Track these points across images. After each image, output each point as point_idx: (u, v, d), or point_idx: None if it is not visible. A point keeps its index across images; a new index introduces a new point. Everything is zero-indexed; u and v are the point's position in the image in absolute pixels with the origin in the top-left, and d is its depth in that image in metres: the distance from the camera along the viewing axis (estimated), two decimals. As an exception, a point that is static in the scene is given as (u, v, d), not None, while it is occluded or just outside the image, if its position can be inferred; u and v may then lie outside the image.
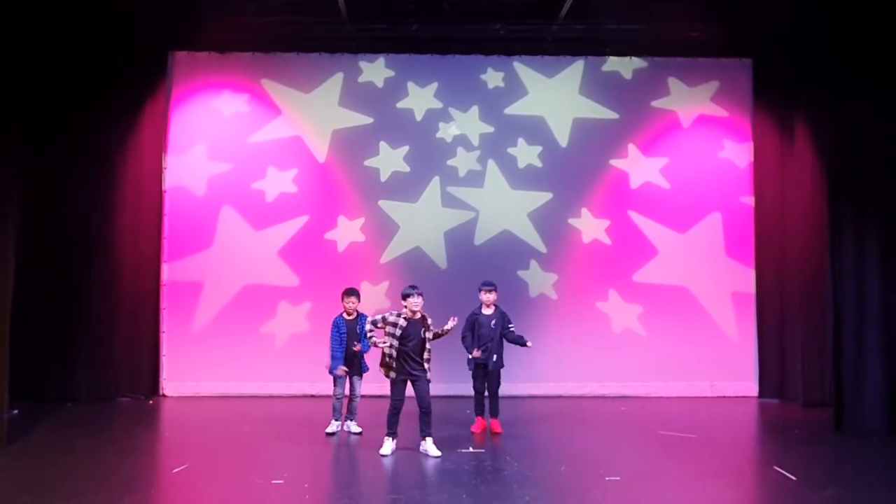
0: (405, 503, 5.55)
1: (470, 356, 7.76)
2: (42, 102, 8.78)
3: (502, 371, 7.94)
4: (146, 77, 9.72)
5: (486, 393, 7.89)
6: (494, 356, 7.76)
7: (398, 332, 6.86)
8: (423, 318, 6.95)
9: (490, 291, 7.85)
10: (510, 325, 7.86)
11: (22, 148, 7.31)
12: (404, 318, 6.88)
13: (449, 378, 8.79)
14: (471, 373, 7.88)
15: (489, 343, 7.73)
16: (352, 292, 7.89)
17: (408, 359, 6.86)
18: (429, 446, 6.86)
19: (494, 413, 7.87)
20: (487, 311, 7.86)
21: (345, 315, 7.80)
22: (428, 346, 6.91)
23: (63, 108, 9.20)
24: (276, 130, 10.06)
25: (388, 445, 6.89)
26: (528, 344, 7.78)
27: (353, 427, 7.79)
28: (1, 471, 6.24)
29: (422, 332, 6.90)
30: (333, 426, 7.73)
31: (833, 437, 7.69)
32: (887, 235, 7.84)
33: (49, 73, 8.85)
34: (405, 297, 6.93)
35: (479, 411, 7.91)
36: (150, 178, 9.78)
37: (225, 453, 6.95)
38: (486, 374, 7.80)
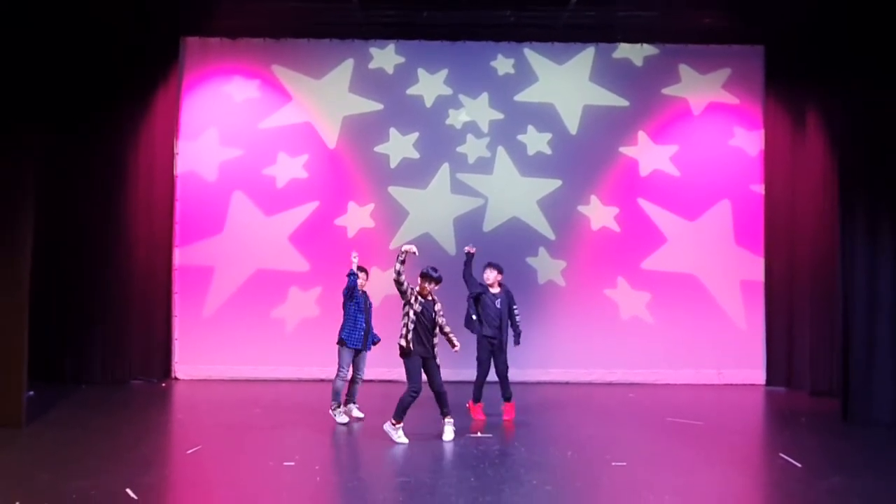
0: (414, 486, 5.63)
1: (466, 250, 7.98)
2: (55, 90, 8.83)
3: (509, 357, 7.95)
4: (158, 63, 9.77)
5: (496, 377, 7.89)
6: (503, 335, 7.83)
7: (417, 307, 6.92)
8: (434, 300, 7.04)
9: (490, 269, 7.92)
10: (515, 308, 7.93)
11: (38, 136, 7.38)
12: (423, 298, 6.96)
13: (458, 364, 8.82)
14: (476, 349, 7.85)
15: (497, 323, 7.79)
16: (361, 269, 7.89)
17: (424, 336, 6.91)
18: (446, 429, 6.91)
19: (507, 397, 7.87)
20: (493, 291, 7.91)
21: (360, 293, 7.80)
22: (437, 329, 6.98)
23: (75, 95, 9.26)
24: (287, 116, 10.10)
25: (397, 432, 6.87)
26: (517, 343, 7.91)
27: (356, 412, 7.73)
28: (22, 450, 6.38)
29: (433, 315, 6.97)
30: (343, 416, 7.53)
31: (840, 426, 7.71)
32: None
33: (61, 60, 8.89)
34: (425, 277, 6.96)
35: (479, 397, 7.87)
36: (162, 164, 9.85)
37: (237, 436, 7.05)
38: (492, 352, 7.80)
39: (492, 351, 7.81)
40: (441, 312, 7.06)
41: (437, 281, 7.00)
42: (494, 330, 7.78)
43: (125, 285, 9.47)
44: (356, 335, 7.65)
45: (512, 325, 7.91)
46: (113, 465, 5.92)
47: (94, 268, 9.35)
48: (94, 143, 9.37)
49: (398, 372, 9.64)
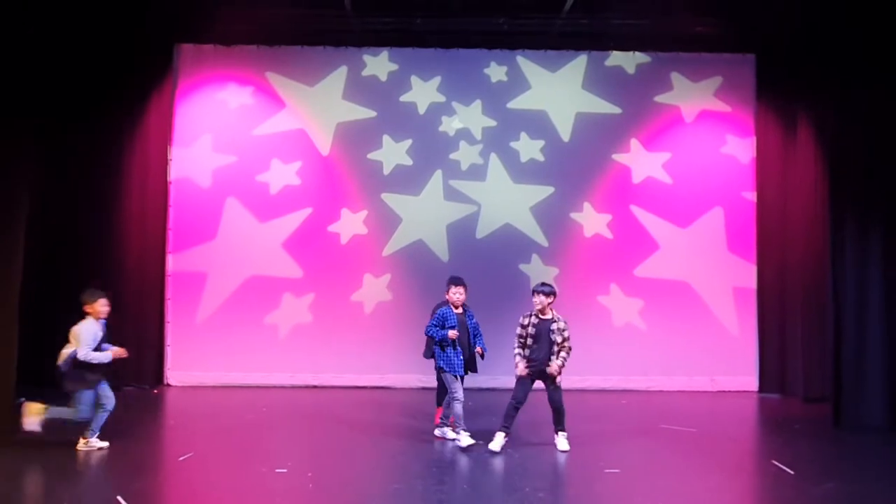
0: (407, 493, 5.61)
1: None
2: (48, 94, 8.81)
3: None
4: (152, 69, 9.78)
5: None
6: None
7: (531, 329, 6.81)
8: (552, 319, 6.83)
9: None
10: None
11: (34, 139, 7.38)
12: (535, 317, 6.86)
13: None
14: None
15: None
16: (458, 281, 7.05)
17: (537, 354, 6.77)
18: (560, 441, 6.84)
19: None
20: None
21: (454, 309, 7.02)
22: (556, 347, 6.76)
23: (69, 100, 9.24)
24: (281, 123, 10.12)
25: (499, 441, 6.73)
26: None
27: (451, 433, 7.03)
28: (12, 457, 6.32)
29: (549, 333, 6.78)
30: (468, 437, 6.77)
31: (833, 432, 7.74)
32: (889, 231, 7.87)
33: (55, 64, 8.88)
34: (534, 293, 6.91)
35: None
36: (156, 170, 9.84)
37: (229, 442, 7.03)
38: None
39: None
40: (561, 330, 6.78)
41: (547, 294, 6.82)
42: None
43: (118, 291, 9.33)
44: (457, 361, 6.98)
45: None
46: (104, 471, 5.89)
47: (86, 273, 9.24)
48: (87, 149, 9.34)
49: (390, 378, 9.73)
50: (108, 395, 6.70)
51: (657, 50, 10.16)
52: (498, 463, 6.43)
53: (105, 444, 6.62)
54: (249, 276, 9.99)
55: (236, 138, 10.06)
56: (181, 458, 6.41)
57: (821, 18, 8.45)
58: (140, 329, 9.63)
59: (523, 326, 6.89)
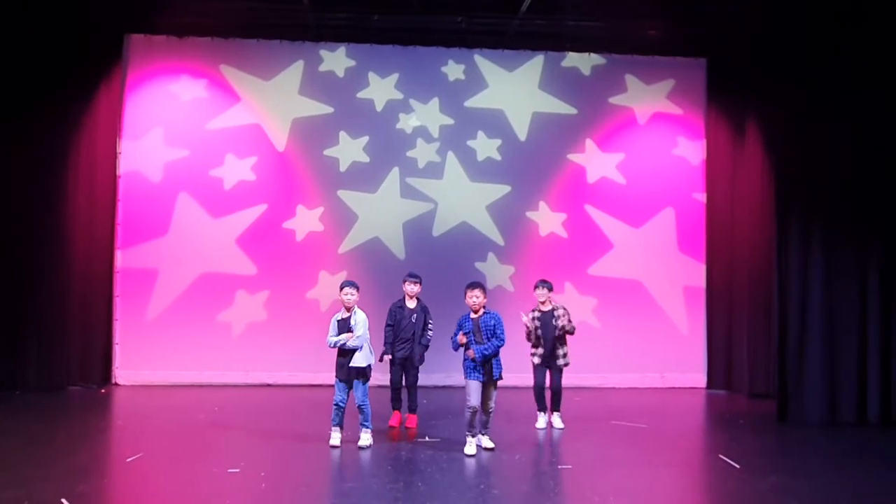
0: (361, 492, 5.60)
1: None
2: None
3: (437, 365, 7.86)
4: (101, 60, 9.54)
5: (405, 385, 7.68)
6: (414, 350, 7.53)
7: (537, 322, 7.64)
8: (553, 308, 7.64)
9: (414, 283, 7.64)
10: (430, 323, 7.63)
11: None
12: (538, 311, 7.68)
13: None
14: (390, 366, 7.63)
15: (410, 336, 7.53)
16: (475, 285, 6.81)
17: (546, 345, 7.62)
18: (555, 420, 7.74)
19: (412, 408, 7.68)
20: (410, 304, 7.64)
21: (471, 314, 6.81)
22: (560, 333, 7.58)
23: (13, 90, 8.96)
24: (235, 117, 9.97)
25: (542, 419, 7.75)
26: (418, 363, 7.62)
27: (486, 442, 6.80)
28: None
29: (552, 321, 7.60)
30: (472, 446, 6.63)
31: (777, 427, 7.98)
32: (830, 233, 8.14)
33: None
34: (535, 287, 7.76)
35: (397, 406, 7.72)
36: (105, 163, 9.62)
37: (180, 442, 6.90)
38: (404, 368, 7.58)
39: (402, 364, 7.59)
40: (562, 315, 7.61)
41: (550, 288, 7.69)
42: (404, 343, 7.52)
43: (64, 287, 9.18)
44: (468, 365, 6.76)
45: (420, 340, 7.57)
46: (48, 473, 5.73)
47: (31, 270, 9.04)
48: (32, 141, 9.06)
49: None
50: (356, 391, 6.80)
51: (612, 52, 10.32)
52: (452, 461, 6.45)
53: (337, 441, 6.78)
54: (202, 273, 9.82)
55: (189, 132, 9.88)
56: (129, 460, 6.27)
57: (770, 25, 8.67)
58: (87, 327, 9.43)
59: (532, 319, 7.71)
